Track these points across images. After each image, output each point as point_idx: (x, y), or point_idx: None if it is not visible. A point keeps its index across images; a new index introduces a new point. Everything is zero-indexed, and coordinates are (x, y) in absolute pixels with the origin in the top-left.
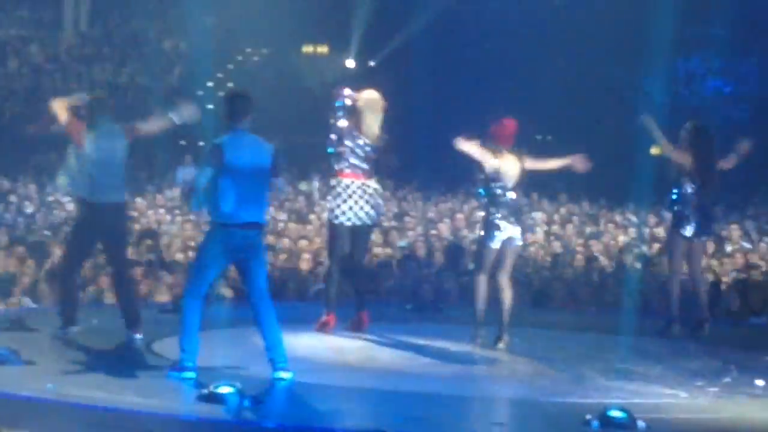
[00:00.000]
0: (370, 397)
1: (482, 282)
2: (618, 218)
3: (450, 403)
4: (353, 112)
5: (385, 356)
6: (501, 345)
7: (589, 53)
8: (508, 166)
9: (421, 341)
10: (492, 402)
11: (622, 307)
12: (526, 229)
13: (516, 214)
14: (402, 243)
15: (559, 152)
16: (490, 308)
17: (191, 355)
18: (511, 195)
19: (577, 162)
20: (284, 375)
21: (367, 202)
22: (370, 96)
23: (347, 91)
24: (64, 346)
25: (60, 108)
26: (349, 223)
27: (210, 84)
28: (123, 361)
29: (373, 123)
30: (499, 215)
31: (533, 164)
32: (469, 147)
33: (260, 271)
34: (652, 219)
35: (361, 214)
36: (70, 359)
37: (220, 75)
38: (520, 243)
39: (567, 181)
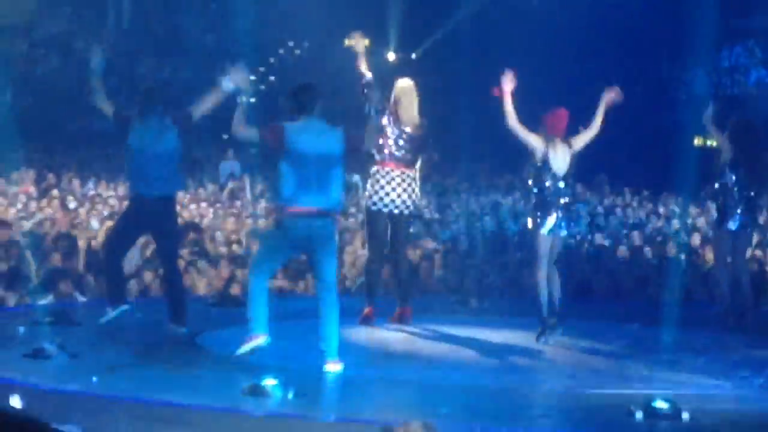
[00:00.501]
0: (413, 388)
1: (544, 274)
2: (661, 209)
3: (494, 394)
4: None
5: (429, 348)
6: (560, 333)
7: (633, 46)
8: (559, 155)
9: (464, 333)
10: (536, 393)
11: (665, 298)
12: (574, 220)
13: (564, 203)
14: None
15: (602, 144)
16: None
17: (260, 323)
18: (561, 185)
19: (609, 97)
20: (332, 367)
21: (404, 190)
22: (404, 84)
23: (362, 66)
24: (109, 340)
25: (102, 101)
26: (386, 210)
27: (252, 78)
28: (168, 355)
29: (411, 109)
30: (546, 204)
31: (580, 140)
32: (521, 129)
33: (328, 261)
34: (694, 210)
35: (398, 201)
36: (115, 353)
37: (261, 69)
38: (566, 233)
39: (610, 172)
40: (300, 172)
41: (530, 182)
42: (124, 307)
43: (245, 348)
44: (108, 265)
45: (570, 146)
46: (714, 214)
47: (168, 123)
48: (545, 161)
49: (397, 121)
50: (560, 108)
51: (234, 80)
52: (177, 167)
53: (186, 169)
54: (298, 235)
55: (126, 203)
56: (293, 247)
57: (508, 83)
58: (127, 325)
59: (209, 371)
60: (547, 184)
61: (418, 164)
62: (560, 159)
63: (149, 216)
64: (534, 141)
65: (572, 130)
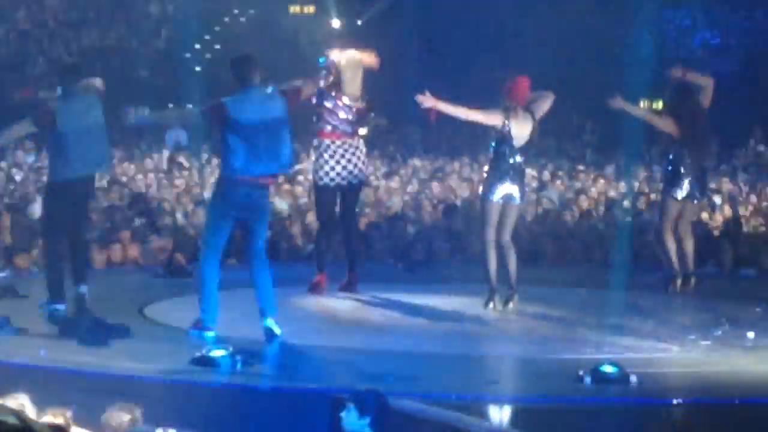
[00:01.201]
0: (361, 357)
1: (491, 241)
2: (607, 172)
3: (443, 361)
4: (334, 72)
5: (377, 316)
6: (511, 306)
7: (575, 6)
8: (521, 124)
9: (412, 301)
10: (484, 360)
11: (612, 262)
12: (525, 190)
13: (519, 174)
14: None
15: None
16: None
17: (211, 314)
18: (518, 155)
19: None
20: (272, 324)
21: (349, 161)
22: (349, 55)
23: (333, 52)
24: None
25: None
26: (332, 183)
27: (197, 46)
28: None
29: (352, 82)
30: (500, 173)
31: (541, 107)
32: (478, 115)
33: (261, 231)
34: (641, 173)
35: (345, 173)
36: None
37: (207, 37)
38: (519, 202)
39: (556, 136)
40: (247, 142)
41: (490, 150)
42: (60, 307)
43: (195, 331)
44: (50, 258)
45: (532, 114)
46: (662, 180)
47: (92, 99)
48: (505, 133)
49: (339, 92)
50: (521, 76)
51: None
52: (106, 143)
53: (131, 137)
54: (238, 202)
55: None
56: (235, 216)
57: (429, 102)
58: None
59: (157, 342)
60: (505, 154)
61: (364, 131)
62: (521, 128)
63: (78, 197)
64: (493, 119)
65: None
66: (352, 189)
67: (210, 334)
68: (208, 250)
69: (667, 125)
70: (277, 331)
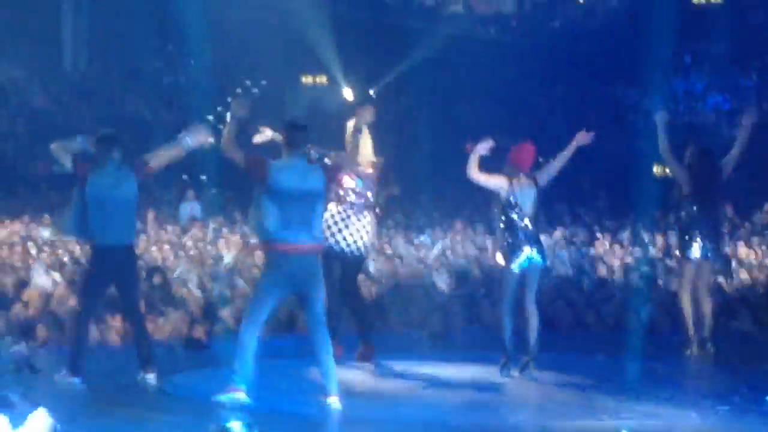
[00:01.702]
0: (379, 427)
1: (508, 309)
2: (623, 237)
3: (460, 431)
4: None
5: (394, 386)
6: (528, 372)
7: (588, 75)
8: (525, 190)
9: (430, 370)
10: (503, 428)
11: (629, 327)
12: (547, 251)
13: (534, 237)
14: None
15: (562, 173)
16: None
17: (244, 377)
18: (527, 221)
19: (580, 139)
20: (334, 402)
21: (357, 230)
22: (354, 122)
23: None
24: (72, 388)
25: (59, 150)
26: (337, 248)
27: (210, 117)
28: (132, 401)
29: (364, 149)
30: (516, 240)
31: (544, 175)
32: (482, 177)
33: (318, 296)
34: (656, 238)
35: (350, 241)
36: (79, 402)
37: (219, 108)
38: (541, 264)
39: (569, 202)
40: (283, 208)
41: (499, 220)
42: (77, 380)
43: (225, 397)
44: (78, 328)
45: (535, 182)
46: (676, 243)
47: (126, 171)
48: (511, 199)
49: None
50: (526, 142)
51: (195, 140)
52: (135, 215)
53: (144, 210)
54: (292, 272)
55: (87, 259)
56: (287, 285)
57: (483, 149)
58: (90, 372)
59: (175, 416)
60: (515, 220)
61: (377, 199)
62: (526, 195)
63: (113, 266)
64: (497, 183)
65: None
66: (354, 260)
67: (239, 396)
68: (250, 318)
69: (680, 173)
70: (339, 407)
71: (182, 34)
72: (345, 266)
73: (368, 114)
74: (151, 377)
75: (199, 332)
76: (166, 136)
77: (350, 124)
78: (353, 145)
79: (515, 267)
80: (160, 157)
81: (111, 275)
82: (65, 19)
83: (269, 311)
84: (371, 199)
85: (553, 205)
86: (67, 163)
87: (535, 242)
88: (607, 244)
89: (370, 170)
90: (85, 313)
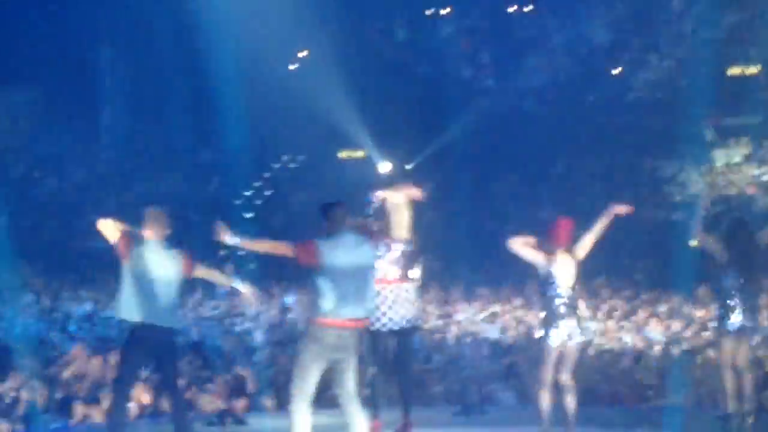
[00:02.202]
0: None
1: (547, 382)
2: (661, 310)
3: None
4: (382, 214)
5: None
6: None
7: (623, 147)
8: (563, 266)
9: None
10: None
11: (670, 402)
12: (585, 326)
13: (572, 312)
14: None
15: (600, 246)
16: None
17: None
18: (566, 295)
19: (614, 211)
20: None
21: (401, 305)
22: (394, 196)
23: (380, 193)
24: None
25: (106, 228)
26: (385, 329)
27: (247, 193)
28: None
29: (399, 223)
30: (554, 315)
31: (582, 248)
32: (523, 249)
33: (352, 373)
34: (696, 310)
35: (397, 318)
36: None
37: (257, 183)
38: (580, 339)
39: (607, 274)
40: (337, 286)
41: (539, 294)
42: None
43: None
44: (116, 405)
45: (573, 256)
46: (714, 316)
47: (174, 254)
48: (549, 274)
49: (388, 236)
50: (564, 218)
51: (244, 289)
52: (179, 298)
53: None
54: (329, 344)
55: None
56: (325, 360)
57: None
58: None
59: None
60: (553, 296)
61: (417, 274)
62: (565, 270)
63: (155, 345)
64: (535, 258)
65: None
66: (406, 333)
67: None
68: (297, 395)
69: (716, 247)
70: None
71: (219, 109)
72: (399, 340)
73: (409, 190)
74: None
75: (237, 408)
76: (203, 212)
77: (390, 194)
78: (389, 216)
79: (552, 342)
80: (206, 273)
81: (152, 353)
82: (102, 96)
83: (314, 385)
84: (411, 273)
85: (592, 279)
86: (113, 235)
87: (573, 317)
88: (646, 317)
89: (406, 247)
90: (123, 390)
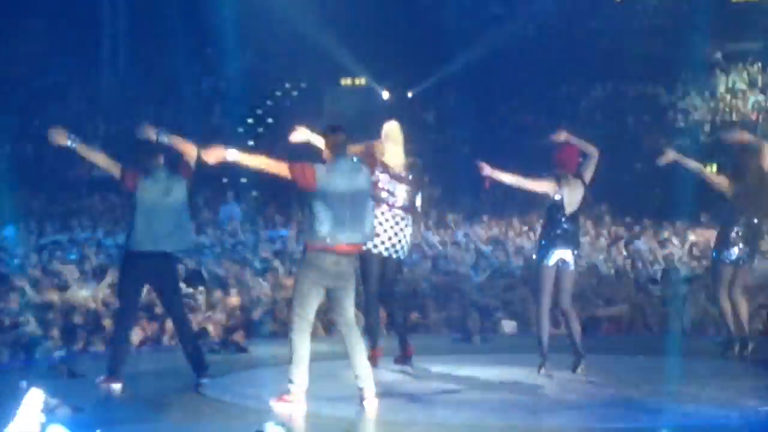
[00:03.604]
0: (412, 428)
1: (545, 307)
2: (663, 235)
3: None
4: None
5: (433, 389)
6: (579, 371)
7: (626, 73)
8: (573, 191)
9: (469, 372)
10: (541, 430)
11: (668, 328)
12: (578, 256)
13: (572, 239)
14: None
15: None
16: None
17: (301, 387)
18: (570, 222)
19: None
20: (373, 403)
21: (396, 234)
22: (387, 127)
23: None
24: (110, 393)
25: (103, 161)
26: (375, 251)
27: (250, 121)
28: (171, 406)
29: (396, 151)
30: (554, 237)
31: (588, 172)
32: (528, 184)
33: (349, 300)
34: (695, 236)
35: (389, 244)
36: (118, 406)
37: (259, 111)
38: (572, 268)
39: (609, 201)
40: (334, 211)
41: (544, 217)
42: (118, 386)
43: (281, 407)
44: (118, 333)
45: (583, 180)
46: (713, 245)
47: (176, 176)
48: (559, 200)
49: (386, 165)
50: (570, 145)
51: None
52: (186, 221)
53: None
54: (326, 271)
55: (122, 262)
56: (324, 285)
57: (487, 170)
58: (129, 376)
59: (214, 421)
60: (559, 219)
61: (418, 203)
62: (574, 195)
63: (152, 272)
64: (544, 187)
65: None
66: (394, 261)
67: (300, 408)
68: (298, 320)
69: (721, 183)
70: (375, 409)
71: (221, 37)
72: (384, 269)
73: (386, 129)
74: (205, 381)
75: (238, 336)
76: (204, 140)
77: (383, 129)
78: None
79: (549, 262)
80: (184, 148)
81: (149, 280)
82: (103, 25)
83: (314, 310)
84: (408, 201)
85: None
86: (116, 173)
87: (572, 243)
88: (647, 243)
89: (403, 172)
90: (125, 319)
